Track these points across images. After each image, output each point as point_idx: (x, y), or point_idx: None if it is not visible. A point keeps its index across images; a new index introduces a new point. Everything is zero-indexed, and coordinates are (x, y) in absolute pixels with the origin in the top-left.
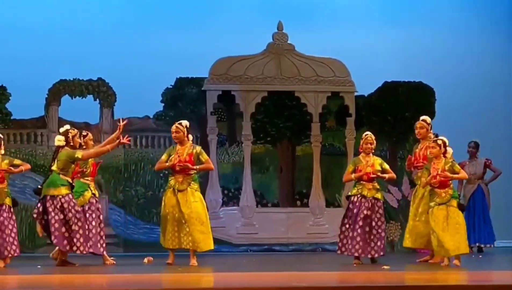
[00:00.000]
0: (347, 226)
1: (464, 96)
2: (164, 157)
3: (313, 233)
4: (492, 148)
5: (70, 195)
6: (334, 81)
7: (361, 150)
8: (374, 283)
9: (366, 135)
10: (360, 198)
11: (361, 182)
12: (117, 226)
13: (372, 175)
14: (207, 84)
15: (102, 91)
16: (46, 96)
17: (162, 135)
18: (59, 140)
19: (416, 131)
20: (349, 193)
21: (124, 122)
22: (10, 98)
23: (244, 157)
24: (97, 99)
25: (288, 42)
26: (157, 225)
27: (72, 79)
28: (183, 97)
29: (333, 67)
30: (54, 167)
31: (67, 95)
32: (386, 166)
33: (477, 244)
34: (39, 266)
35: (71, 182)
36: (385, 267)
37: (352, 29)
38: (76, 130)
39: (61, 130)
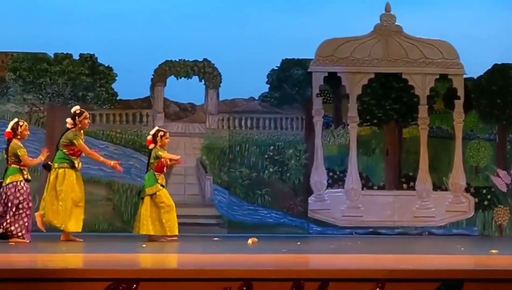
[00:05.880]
0: None
1: None
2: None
3: (420, 217)
4: None
5: None
6: (443, 63)
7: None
8: (482, 266)
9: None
10: None
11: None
12: (222, 207)
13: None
14: (313, 65)
15: (207, 72)
16: (152, 76)
17: (268, 117)
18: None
19: None
20: None
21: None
22: (116, 78)
23: (349, 139)
24: (203, 80)
25: (396, 23)
26: (262, 206)
27: (178, 60)
28: (289, 79)
29: (441, 49)
30: None
31: (172, 75)
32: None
33: None
34: (144, 245)
35: None
36: (493, 251)
37: (462, 11)
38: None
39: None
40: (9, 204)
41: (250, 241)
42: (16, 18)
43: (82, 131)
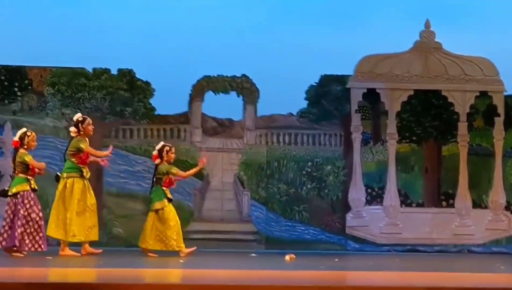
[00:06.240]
0: None
1: None
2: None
3: (459, 234)
4: None
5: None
6: (483, 80)
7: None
8: None
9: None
10: None
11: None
12: (259, 223)
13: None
14: (352, 81)
15: (245, 88)
16: (190, 92)
17: (306, 133)
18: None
19: None
20: None
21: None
22: (154, 93)
23: (388, 156)
24: (241, 96)
25: (436, 40)
26: (299, 222)
27: (216, 75)
28: (327, 95)
29: (481, 66)
30: None
31: (210, 91)
32: None
33: None
34: (181, 261)
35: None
36: None
37: (502, 28)
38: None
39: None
40: (18, 215)
41: (287, 257)
42: (55, 33)
43: (87, 139)
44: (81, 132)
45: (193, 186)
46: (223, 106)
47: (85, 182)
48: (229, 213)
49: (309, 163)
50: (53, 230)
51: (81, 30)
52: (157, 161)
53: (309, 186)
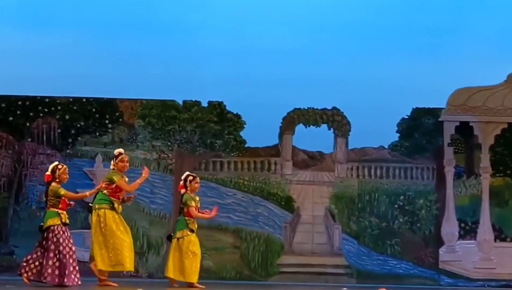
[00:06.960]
0: None
1: None
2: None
3: None
4: None
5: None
6: None
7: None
8: None
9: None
10: None
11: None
12: (350, 256)
13: None
14: (444, 114)
15: (336, 120)
16: (280, 124)
17: (398, 166)
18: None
19: None
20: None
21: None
22: (244, 126)
23: (482, 189)
24: (332, 129)
25: None
26: (391, 256)
27: (306, 108)
28: (419, 128)
29: None
30: None
31: (301, 124)
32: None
33: None
34: None
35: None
36: None
37: None
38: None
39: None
40: (49, 248)
41: None
42: (146, 66)
43: (124, 175)
44: (115, 167)
45: (284, 219)
46: (314, 139)
47: (118, 214)
48: (320, 247)
49: (401, 197)
50: (105, 263)
51: (171, 62)
52: (182, 191)
53: (401, 220)
